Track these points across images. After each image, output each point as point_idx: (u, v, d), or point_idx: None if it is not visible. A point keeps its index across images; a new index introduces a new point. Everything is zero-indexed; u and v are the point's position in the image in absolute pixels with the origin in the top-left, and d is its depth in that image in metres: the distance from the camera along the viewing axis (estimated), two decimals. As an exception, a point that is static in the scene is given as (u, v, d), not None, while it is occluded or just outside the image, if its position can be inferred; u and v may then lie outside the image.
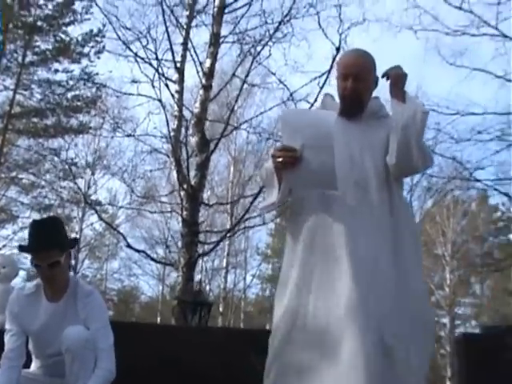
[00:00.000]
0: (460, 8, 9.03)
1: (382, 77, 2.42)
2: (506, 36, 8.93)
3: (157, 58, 9.15)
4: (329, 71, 8.94)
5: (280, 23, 9.43)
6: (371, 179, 2.32)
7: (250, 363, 3.20)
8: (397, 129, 2.27)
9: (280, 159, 2.24)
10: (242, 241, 22.61)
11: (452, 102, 11.57)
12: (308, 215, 2.31)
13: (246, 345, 3.97)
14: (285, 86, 9.57)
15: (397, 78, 2.37)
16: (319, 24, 9.03)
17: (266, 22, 9.56)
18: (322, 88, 8.93)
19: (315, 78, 9.42)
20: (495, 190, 10.01)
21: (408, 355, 2.14)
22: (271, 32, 9.43)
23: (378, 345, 2.08)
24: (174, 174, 9.25)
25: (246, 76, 9.72)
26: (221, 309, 19.97)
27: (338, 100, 2.56)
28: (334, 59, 8.69)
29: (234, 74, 10.08)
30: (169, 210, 12.83)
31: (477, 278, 26.25)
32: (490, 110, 9.37)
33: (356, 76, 2.45)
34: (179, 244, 17.88)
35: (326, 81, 9.05)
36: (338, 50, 8.86)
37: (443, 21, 9.55)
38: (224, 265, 20.62)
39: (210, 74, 9.75)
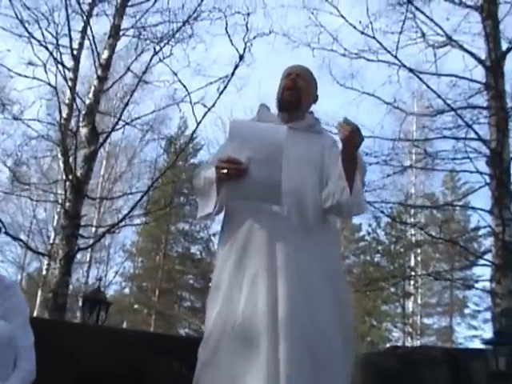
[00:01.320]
0: (362, 32, 9.50)
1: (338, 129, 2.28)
2: (403, 65, 9.52)
3: (56, 43, 8.78)
4: (230, 78, 9.07)
5: (184, 23, 9.43)
6: (309, 197, 2.34)
7: (161, 369, 3.23)
8: (341, 193, 2.25)
9: (225, 170, 2.21)
10: (107, 237, 22.33)
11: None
12: (243, 224, 2.30)
13: (158, 350, 3.97)
14: (184, 86, 9.56)
15: (353, 142, 2.23)
16: (226, 30, 9.10)
17: (169, 21, 9.54)
18: (221, 93, 9.04)
19: (211, 83, 9.48)
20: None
21: (333, 357, 2.18)
22: (174, 31, 9.41)
23: (305, 354, 2.11)
24: (61, 163, 8.92)
25: (144, 72, 9.59)
26: (80, 303, 19.41)
27: (273, 111, 2.62)
28: (236, 67, 8.87)
29: (128, 69, 9.93)
30: (51, 199, 12.29)
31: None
32: (377, 134, 9.84)
33: (298, 74, 2.56)
34: (44, 232, 17.47)
35: (225, 87, 9.15)
36: (241, 57, 9.00)
37: (342, 42, 9.96)
38: (87, 259, 20.05)
39: (106, 66, 9.53)
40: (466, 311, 29.02)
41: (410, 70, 9.59)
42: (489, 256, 9.26)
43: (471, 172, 9.44)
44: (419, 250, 20.61)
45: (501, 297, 8.41)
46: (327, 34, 9.95)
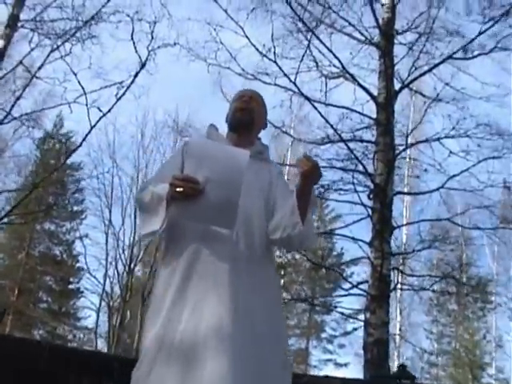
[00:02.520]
0: (264, 55, 9.50)
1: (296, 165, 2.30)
2: (301, 93, 9.61)
3: None
4: (129, 85, 8.73)
5: (86, 23, 8.94)
6: (257, 225, 2.34)
7: None
8: (293, 227, 2.27)
9: (180, 189, 2.14)
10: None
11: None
12: (189, 247, 2.24)
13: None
14: (82, 87, 9.09)
15: (312, 178, 2.26)
16: (132, 36, 8.78)
17: (71, 18, 9.03)
18: (118, 99, 8.68)
19: (106, 87, 9.15)
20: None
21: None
22: (75, 30, 8.91)
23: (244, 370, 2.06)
24: None
25: (39, 68, 9.03)
26: None
27: (222, 131, 2.58)
28: (136, 74, 8.57)
29: (20, 62, 9.29)
30: None
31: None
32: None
33: (251, 96, 2.55)
34: None
35: (124, 93, 8.80)
36: (143, 65, 8.72)
37: (242, 61, 9.92)
38: None
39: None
40: (323, 335, 30.08)
41: (306, 98, 9.71)
42: (364, 286, 9.53)
43: (355, 203, 9.70)
44: (283, 272, 21.04)
45: (374, 327, 8.66)
46: (226, 51, 9.89)
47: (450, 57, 9.79)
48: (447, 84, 10.08)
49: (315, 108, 9.46)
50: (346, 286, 12.92)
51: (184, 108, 38.98)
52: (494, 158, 9.91)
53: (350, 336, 28.81)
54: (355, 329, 27.57)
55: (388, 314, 9.08)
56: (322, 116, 9.72)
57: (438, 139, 9.83)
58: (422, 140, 10.07)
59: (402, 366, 6.64)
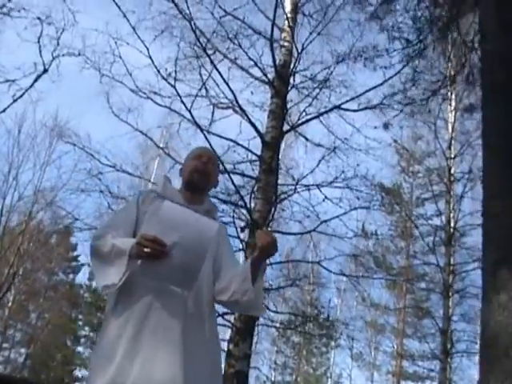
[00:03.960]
0: (165, 79, 9.46)
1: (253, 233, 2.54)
2: (195, 123, 9.65)
3: None
4: (28, 88, 8.36)
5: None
6: (205, 285, 2.46)
7: None
8: (242, 294, 2.42)
9: (148, 250, 2.20)
10: None
11: (113, 155, 11.89)
12: (142, 300, 2.32)
13: None
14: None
15: (270, 251, 2.40)
16: (38, 39, 8.42)
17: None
18: (15, 100, 8.28)
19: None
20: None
21: None
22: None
23: None
24: None
25: None
26: None
27: (175, 184, 2.70)
28: (37, 78, 8.23)
29: None
30: None
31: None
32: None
33: (209, 158, 2.68)
34: None
35: (22, 95, 8.40)
36: (45, 71, 8.39)
37: (138, 78, 9.79)
38: None
39: None
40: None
41: (199, 127, 9.74)
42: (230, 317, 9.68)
43: (232, 236, 9.84)
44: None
45: (236, 359, 8.80)
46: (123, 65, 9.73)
47: (337, 106, 10.34)
48: (331, 132, 10.64)
49: (205, 137, 9.52)
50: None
51: (65, 111, 37.95)
52: (363, 207, 10.58)
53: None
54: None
55: (251, 347, 9.30)
56: (209, 143, 9.76)
57: (318, 186, 10.27)
58: (309, 184, 10.39)
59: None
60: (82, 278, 30.51)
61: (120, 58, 9.56)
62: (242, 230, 10.32)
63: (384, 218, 17.46)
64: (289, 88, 10.22)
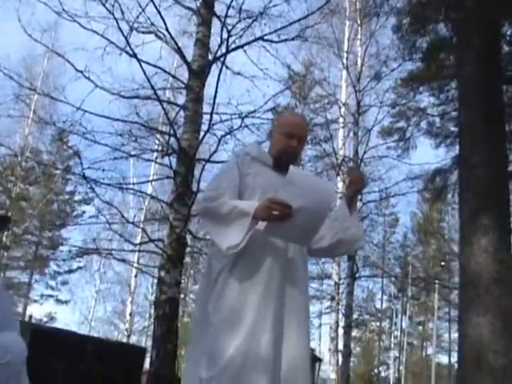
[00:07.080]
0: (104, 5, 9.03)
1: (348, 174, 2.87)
2: (130, 51, 9.32)
3: None
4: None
5: None
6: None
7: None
8: (344, 231, 2.67)
9: (277, 212, 2.36)
10: None
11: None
12: (264, 262, 2.47)
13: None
14: None
15: (361, 186, 2.77)
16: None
17: None
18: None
19: None
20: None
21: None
22: None
23: None
24: None
25: None
26: None
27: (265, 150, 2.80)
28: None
29: None
30: None
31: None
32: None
33: (300, 138, 2.73)
34: None
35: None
36: None
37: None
38: None
39: None
40: (47, 270, 29.41)
41: (128, 53, 9.42)
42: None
43: (163, 165, 9.85)
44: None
45: (168, 286, 9.02)
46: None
47: (261, 37, 10.37)
48: (253, 62, 10.69)
49: (139, 63, 9.23)
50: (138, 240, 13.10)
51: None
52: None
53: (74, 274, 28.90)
54: (80, 267, 27.73)
55: (181, 274, 9.55)
56: (144, 72, 9.38)
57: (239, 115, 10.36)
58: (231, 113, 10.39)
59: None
60: None
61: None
62: (162, 156, 10.35)
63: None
64: (213, 17, 10.13)
